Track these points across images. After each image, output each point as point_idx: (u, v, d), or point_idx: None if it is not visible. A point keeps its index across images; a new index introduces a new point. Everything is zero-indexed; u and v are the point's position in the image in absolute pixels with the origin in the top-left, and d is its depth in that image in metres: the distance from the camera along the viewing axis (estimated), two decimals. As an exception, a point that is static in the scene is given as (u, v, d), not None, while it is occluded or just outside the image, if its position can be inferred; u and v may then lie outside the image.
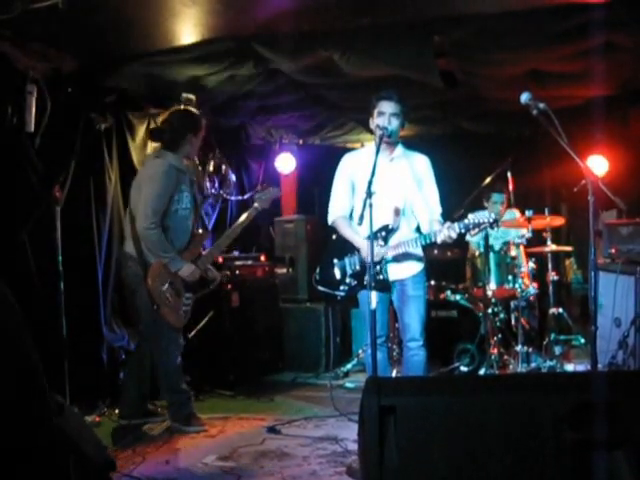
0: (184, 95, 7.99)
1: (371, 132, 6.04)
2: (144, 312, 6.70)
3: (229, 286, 8.72)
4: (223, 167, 10.19)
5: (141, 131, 8.27)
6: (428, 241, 5.72)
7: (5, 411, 2.31)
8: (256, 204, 7.27)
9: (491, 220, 5.60)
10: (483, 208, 9.02)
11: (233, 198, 10.35)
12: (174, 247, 6.65)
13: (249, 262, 9.39)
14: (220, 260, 8.83)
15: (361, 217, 5.09)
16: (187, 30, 6.51)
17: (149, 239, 6.51)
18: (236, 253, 9.57)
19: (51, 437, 2.39)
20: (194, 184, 7.05)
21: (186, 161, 6.99)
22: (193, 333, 8.24)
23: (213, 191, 9.75)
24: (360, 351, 9.03)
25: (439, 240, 5.62)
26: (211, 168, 9.80)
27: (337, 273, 6.08)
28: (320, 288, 6.19)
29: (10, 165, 6.52)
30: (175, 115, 6.93)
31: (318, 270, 6.23)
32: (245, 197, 10.54)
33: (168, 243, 6.58)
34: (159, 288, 6.55)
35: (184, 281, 6.69)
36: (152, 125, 8.56)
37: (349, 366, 9.14)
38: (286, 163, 11.39)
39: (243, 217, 7.15)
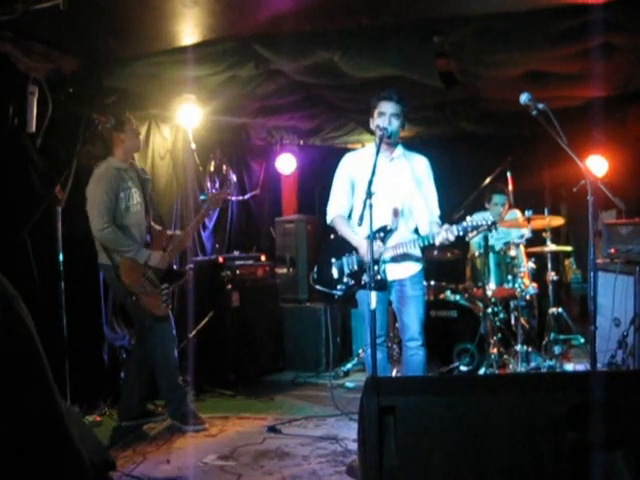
0: (185, 95, 8.04)
1: (371, 133, 6.05)
2: (131, 310, 6.90)
3: (229, 286, 8.73)
4: (224, 167, 10.23)
5: (142, 131, 8.28)
6: (427, 243, 5.74)
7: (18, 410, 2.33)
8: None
9: (489, 223, 5.60)
10: (484, 209, 9.04)
11: (234, 198, 10.37)
12: (135, 241, 6.77)
13: (249, 262, 9.40)
14: (221, 260, 8.85)
15: (361, 217, 5.10)
16: (188, 31, 6.52)
17: (106, 239, 6.65)
18: (236, 253, 9.58)
19: (58, 441, 2.41)
20: (146, 182, 7.12)
21: (131, 160, 7.10)
22: (193, 333, 8.26)
23: (214, 191, 9.77)
24: (360, 351, 9.06)
25: (437, 242, 5.64)
26: (212, 168, 9.83)
27: (335, 272, 6.09)
28: (317, 287, 6.20)
29: (11, 165, 6.54)
30: (99, 124, 7.01)
31: (316, 269, 6.24)
32: (246, 197, 10.57)
33: (125, 238, 6.70)
34: (134, 280, 6.66)
35: (156, 272, 6.74)
36: (153, 127, 8.64)
37: (349, 365, 9.17)
38: (287, 163, 11.42)
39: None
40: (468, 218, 5.64)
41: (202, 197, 7.49)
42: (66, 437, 2.41)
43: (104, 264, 6.80)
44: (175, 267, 7.05)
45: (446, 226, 5.62)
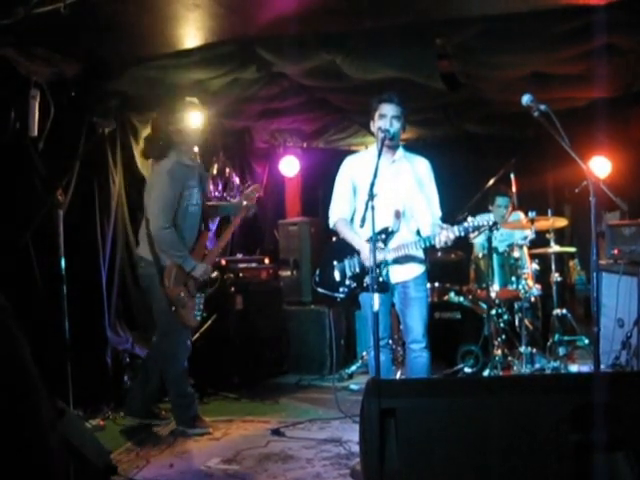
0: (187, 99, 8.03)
1: (374, 135, 6.05)
2: (159, 313, 6.76)
3: (233, 289, 8.73)
4: (227, 170, 10.23)
5: (144, 135, 8.28)
6: (428, 244, 5.72)
7: None
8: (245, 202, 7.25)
9: (491, 223, 5.59)
10: (488, 211, 9.02)
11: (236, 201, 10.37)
12: (185, 246, 6.68)
13: (253, 265, 9.40)
14: (224, 262, 8.85)
15: (363, 219, 5.10)
16: (190, 34, 6.52)
17: (163, 239, 6.55)
18: (240, 256, 9.58)
19: (46, 450, 2.40)
20: (205, 179, 7.09)
21: (193, 156, 7.04)
22: (197, 336, 8.26)
23: (217, 194, 9.77)
24: (364, 353, 9.04)
25: (438, 243, 5.63)
26: (215, 171, 9.83)
27: (337, 275, 6.07)
28: (320, 290, 6.19)
29: (13, 169, 6.54)
30: (157, 119, 7.00)
31: (318, 272, 6.24)
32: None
33: (180, 242, 6.62)
34: (176, 290, 6.61)
35: (196, 281, 6.71)
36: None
37: (353, 368, 9.16)
38: (290, 166, 11.41)
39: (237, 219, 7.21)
40: (469, 218, 5.62)
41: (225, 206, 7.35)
42: (60, 438, 2.41)
43: (146, 259, 6.69)
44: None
45: (447, 227, 5.61)
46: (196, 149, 8.30)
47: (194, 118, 6.86)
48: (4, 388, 2.32)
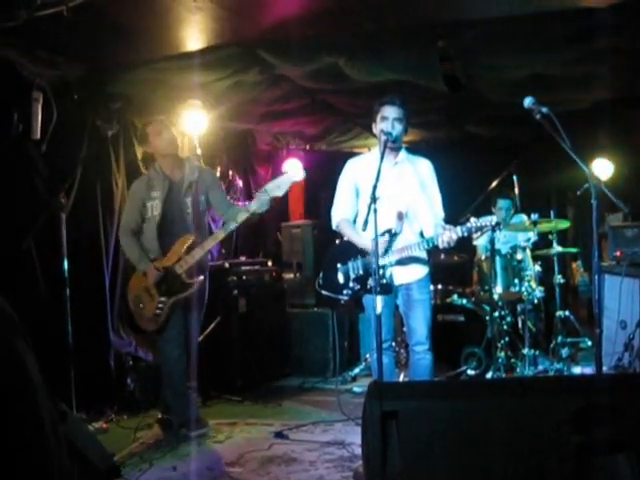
0: (190, 101, 8.04)
1: (377, 137, 6.05)
2: None
3: (236, 291, 8.72)
4: (230, 173, 10.24)
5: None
6: (431, 245, 5.73)
7: None
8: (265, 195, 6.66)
9: (493, 223, 5.60)
10: (491, 213, 9.02)
11: (240, 204, 10.37)
12: (149, 251, 6.76)
13: (256, 267, 9.40)
14: (227, 265, 8.85)
15: (365, 222, 5.10)
16: (193, 37, 6.52)
17: (121, 243, 6.87)
18: (243, 258, 9.58)
19: (47, 452, 2.39)
20: (180, 188, 6.85)
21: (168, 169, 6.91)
22: (200, 339, 8.25)
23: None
24: (367, 355, 9.03)
25: (440, 244, 5.63)
26: (218, 174, 9.84)
27: (340, 277, 6.08)
28: (323, 292, 6.19)
29: (16, 172, 6.55)
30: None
31: (321, 275, 6.24)
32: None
33: (138, 248, 6.77)
34: (134, 291, 6.74)
35: (157, 285, 6.68)
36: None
37: (357, 370, 9.15)
38: (293, 168, 11.41)
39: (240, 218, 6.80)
40: (472, 219, 5.62)
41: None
42: (63, 441, 2.41)
43: None
44: (184, 278, 6.74)
45: (450, 227, 5.61)
46: (198, 152, 8.35)
47: (164, 139, 6.84)
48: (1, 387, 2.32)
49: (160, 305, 6.67)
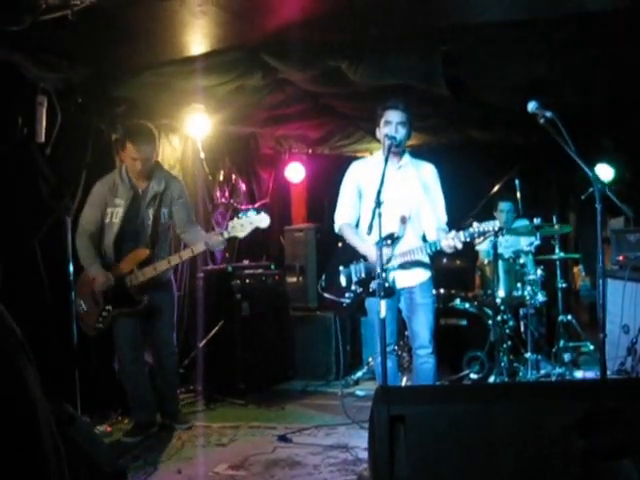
0: (194, 105, 8.06)
1: (380, 141, 6.06)
2: None
3: (239, 295, 8.73)
4: (233, 176, 10.25)
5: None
6: (434, 249, 5.75)
7: None
8: (224, 234, 6.54)
9: (496, 228, 5.61)
10: (493, 217, 9.03)
11: (243, 207, 10.39)
12: (103, 256, 6.74)
13: (259, 271, 9.39)
14: (230, 269, 8.85)
15: (370, 226, 5.11)
16: (196, 41, 6.54)
17: (76, 245, 6.70)
18: (246, 262, 9.59)
19: (43, 473, 2.40)
20: (144, 198, 6.78)
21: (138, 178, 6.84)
22: (203, 343, 8.27)
23: (223, 200, 9.78)
24: (370, 359, 9.03)
25: (445, 248, 5.64)
26: (221, 177, 9.86)
27: (342, 280, 6.09)
28: (326, 295, 6.20)
29: (21, 175, 6.56)
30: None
31: (324, 277, 6.25)
32: (255, 206, 10.58)
33: (92, 252, 6.71)
34: (80, 293, 6.71)
35: (104, 292, 6.63)
36: (163, 137, 8.66)
37: (359, 374, 9.14)
38: (296, 172, 11.45)
39: (197, 248, 6.61)
40: (475, 224, 5.64)
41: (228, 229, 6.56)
42: (70, 444, 2.41)
43: None
44: (133, 293, 6.65)
45: (453, 233, 5.63)
46: (202, 156, 8.32)
47: (127, 155, 6.71)
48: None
49: (104, 314, 6.67)
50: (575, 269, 11.46)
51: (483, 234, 5.64)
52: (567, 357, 8.22)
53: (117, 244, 6.71)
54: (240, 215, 6.46)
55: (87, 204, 6.79)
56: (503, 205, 9.13)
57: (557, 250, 8.36)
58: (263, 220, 6.41)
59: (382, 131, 5.91)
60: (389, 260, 5.84)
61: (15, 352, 2.41)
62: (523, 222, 9.01)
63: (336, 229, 6.27)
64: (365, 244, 5.93)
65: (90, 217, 6.74)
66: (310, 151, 11.71)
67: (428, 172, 6.15)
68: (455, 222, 6.21)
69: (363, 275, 6.01)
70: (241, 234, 6.46)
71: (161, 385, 7.14)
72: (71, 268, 6.57)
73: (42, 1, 5.20)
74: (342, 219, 6.20)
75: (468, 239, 5.63)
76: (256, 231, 6.52)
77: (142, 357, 7.01)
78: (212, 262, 9.62)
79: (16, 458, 2.33)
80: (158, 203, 6.75)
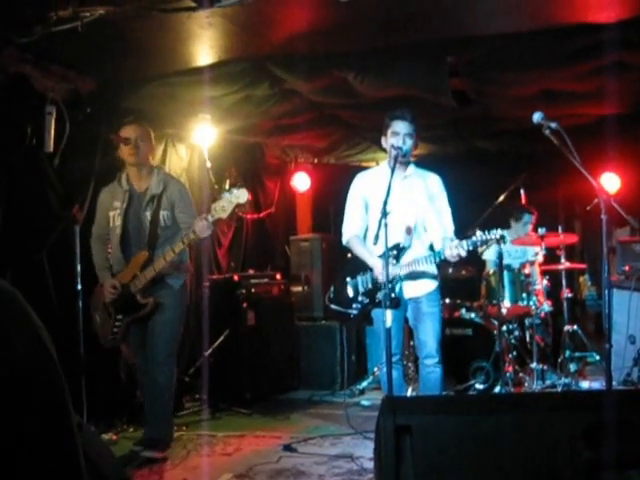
0: (201, 115, 8.09)
1: (386, 151, 6.09)
2: None
3: (245, 305, 8.74)
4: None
5: (159, 151, 8.34)
6: (439, 258, 5.77)
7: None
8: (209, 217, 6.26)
9: (498, 236, 5.64)
10: (508, 226, 9.04)
11: (249, 217, 10.41)
12: (112, 262, 6.68)
13: (265, 280, 9.41)
14: (236, 278, 8.87)
15: (376, 237, 5.14)
16: (203, 52, 6.58)
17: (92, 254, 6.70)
18: (252, 271, 9.61)
19: (74, 448, 2.41)
20: (142, 200, 6.63)
21: (136, 175, 6.71)
22: (209, 352, 8.29)
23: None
24: (375, 369, 9.04)
25: (449, 257, 5.66)
26: (227, 187, 9.86)
27: (350, 291, 6.11)
28: (333, 307, 6.22)
29: (29, 185, 6.60)
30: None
31: (332, 289, 6.27)
32: (261, 215, 10.61)
33: (103, 256, 6.72)
34: (94, 304, 6.69)
35: (114, 302, 6.53)
36: (169, 146, 8.68)
37: (365, 384, 9.15)
38: (301, 182, 11.45)
39: (188, 237, 6.32)
40: (478, 233, 5.67)
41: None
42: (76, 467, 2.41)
43: None
44: (138, 298, 6.48)
45: (456, 242, 5.65)
46: (208, 165, 8.33)
47: (123, 149, 6.59)
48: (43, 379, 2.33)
49: (117, 324, 6.55)
50: (581, 279, 11.45)
51: (485, 242, 5.67)
52: (573, 367, 8.23)
53: (123, 247, 6.59)
54: (220, 196, 6.36)
55: (96, 211, 6.78)
56: (528, 217, 9.13)
57: (563, 260, 8.36)
58: (241, 195, 6.25)
59: (389, 141, 5.93)
60: (396, 271, 5.85)
61: (39, 328, 2.42)
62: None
63: (344, 241, 6.28)
64: (373, 258, 5.95)
65: (98, 222, 6.74)
66: (316, 161, 11.73)
67: (433, 182, 6.17)
68: (461, 231, 6.23)
69: (370, 286, 6.03)
70: (224, 214, 6.24)
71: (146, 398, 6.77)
72: (79, 277, 6.59)
73: (52, 13, 5.25)
74: (350, 232, 6.22)
75: (471, 247, 5.66)
76: (239, 209, 6.38)
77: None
78: (218, 271, 9.63)
79: (47, 426, 2.35)
80: (156, 205, 6.61)
